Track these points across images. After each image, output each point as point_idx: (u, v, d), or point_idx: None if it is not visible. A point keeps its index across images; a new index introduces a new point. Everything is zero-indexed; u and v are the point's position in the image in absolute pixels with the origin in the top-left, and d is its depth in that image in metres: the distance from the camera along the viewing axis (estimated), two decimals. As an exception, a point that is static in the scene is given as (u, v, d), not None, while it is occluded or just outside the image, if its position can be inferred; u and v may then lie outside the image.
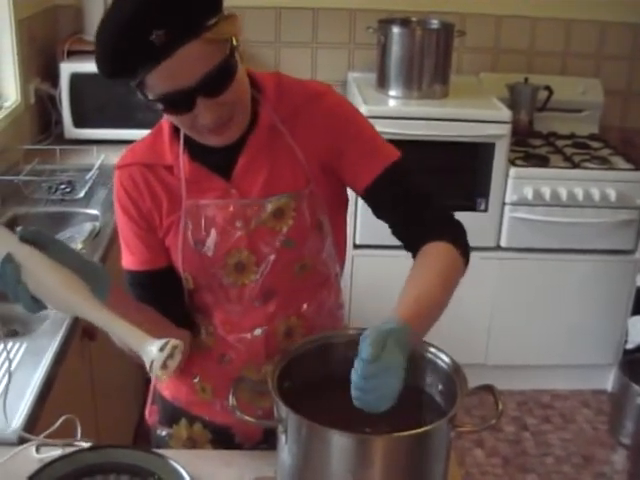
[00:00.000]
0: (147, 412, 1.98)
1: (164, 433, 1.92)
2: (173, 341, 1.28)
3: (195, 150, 1.61)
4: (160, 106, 1.45)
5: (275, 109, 1.61)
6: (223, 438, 1.85)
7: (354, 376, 1.29)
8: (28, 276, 1.32)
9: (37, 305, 1.35)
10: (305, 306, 1.74)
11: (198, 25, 1.36)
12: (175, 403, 1.88)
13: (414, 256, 1.61)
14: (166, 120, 1.64)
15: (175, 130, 1.63)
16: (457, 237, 1.63)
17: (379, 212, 1.69)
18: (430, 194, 1.68)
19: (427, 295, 1.48)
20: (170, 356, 1.28)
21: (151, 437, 1.96)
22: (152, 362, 1.26)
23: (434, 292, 1.50)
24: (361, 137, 1.66)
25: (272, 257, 1.64)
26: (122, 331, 1.31)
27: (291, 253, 1.65)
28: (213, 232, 1.63)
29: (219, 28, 1.39)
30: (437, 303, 1.50)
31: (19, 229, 1.36)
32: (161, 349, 1.26)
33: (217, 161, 1.61)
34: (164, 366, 1.28)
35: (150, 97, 1.43)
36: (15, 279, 1.32)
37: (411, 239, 1.64)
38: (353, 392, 1.29)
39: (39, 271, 1.32)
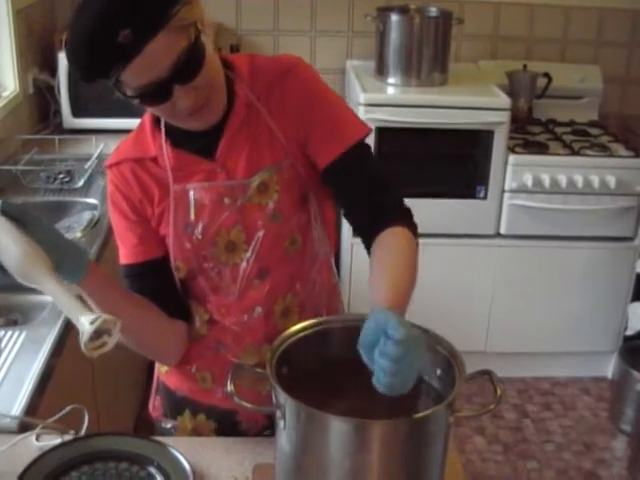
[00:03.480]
0: (151, 405, 1.99)
1: (169, 426, 1.92)
2: (106, 316, 1.30)
3: (177, 138, 1.64)
4: (138, 100, 1.47)
5: (250, 87, 1.63)
6: (228, 426, 1.85)
7: (384, 361, 1.23)
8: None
9: (4, 275, 1.40)
10: (298, 285, 1.75)
11: (162, 18, 1.37)
12: (178, 393, 1.88)
13: (368, 238, 1.61)
14: (147, 115, 1.67)
15: (156, 122, 1.65)
16: (411, 222, 1.64)
17: (335, 194, 1.71)
18: (386, 179, 1.68)
19: (404, 281, 1.48)
20: (107, 333, 1.30)
21: (155, 430, 1.96)
22: (82, 334, 1.28)
23: (408, 277, 1.50)
24: (325, 116, 1.66)
25: (261, 233, 1.66)
26: (65, 302, 1.34)
27: (279, 228, 1.66)
28: (201, 214, 1.65)
29: (181, 15, 1.40)
30: (411, 287, 1.49)
31: (1, 203, 1.41)
32: (92, 322, 1.28)
33: (200, 145, 1.63)
34: (100, 342, 1.30)
35: (128, 93, 1.45)
36: None
37: (366, 223, 1.64)
38: (385, 379, 1.24)
39: (7, 240, 1.37)
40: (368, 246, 1.62)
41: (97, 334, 1.29)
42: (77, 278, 1.45)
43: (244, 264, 1.69)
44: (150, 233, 1.70)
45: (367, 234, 1.62)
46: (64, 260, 1.42)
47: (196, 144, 1.63)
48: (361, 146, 1.67)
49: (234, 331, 1.75)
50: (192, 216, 1.65)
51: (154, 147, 1.65)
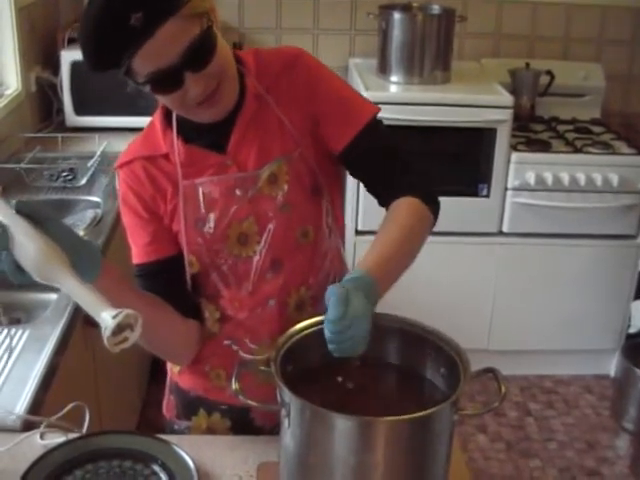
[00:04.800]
0: (164, 406, 1.98)
1: (183, 426, 1.92)
2: (128, 311, 1.30)
3: (189, 134, 1.65)
4: (149, 88, 1.47)
5: (258, 79, 1.64)
6: (242, 423, 1.85)
7: (326, 333, 1.35)
8: (15, 244, 1.36)
9: (21, 275, 1.38)
10: (311, 278, 1.76)
11: (173, 3, 1.40)
12: (192, 393, 1.88)
13: (387, 207, 1.67)
14: (157, 114, 1.69)
15: (166, 119, 1.66)
16: (426, 191, 1.67)
17: (355, 172, 1.75)
18: (401, 151, 1.72)
19: (391, 248, 1.53)
20: (129, 328, 1.30)
21: (167, 431, 1.95)
22: (105, 329, 1.28)
23: (398, 245, 1.55)
24: (335, 101, 1.68)
25: (272, 224, 1.67)
26: (86, 298, 1.33)
27: (290, 218, 1.68)
28: (212, 208, 1.66)
29: (193, 4, 1.42)
30: (401, 255, 1.55)
31: (16, 201, 1.40)
32: (114, 317, 1.28)
33: (211, 140, 1.65)
34: (122, 337, 1.30)
35: (139, 81, 1.46)
36: (2, 245, 1.35)
37: (385, 195, 1.68)
38: (329, 345, 1.36)
39: (23, 239, 1.35)
40: None
41: (119, 329, 1.29)
42: (92, 276, 1.43)
43: (257, 257, 1.69)
44: (162, 231, 1.70)
45: (386, 204, 1.67)
46: (79, 258, 1.40)
47: (207, 139, 1.64)
48: (374, 124, 1.70)
49: (248, 325, 1.75)
50: (202, 210, 1.66)
51: (165, 144, 1.65)
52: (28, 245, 1.35)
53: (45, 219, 1.40)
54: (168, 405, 1.97)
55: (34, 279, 1.38)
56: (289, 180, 1.66)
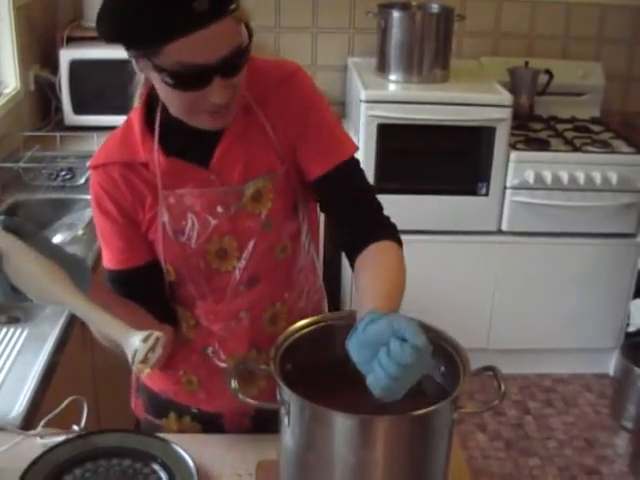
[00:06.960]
0: (133, 405, 1.98)
1: (156, 423, 1.91)
2: (156, 333, 1.28)
3: (170, 146, 1.60)
4: (170, 80, 1.40)
5: (249, 90, 1.59)
6: (213, 428, 1.84)
7: (391, 364, 1.24)
8: (9, 264, 1.31)
9: (16, 295, 1.34)
10: (287, 293, 1.74)
11: (235, 2, 1.38)
12: (162, 395, 1.87)
13: (354, 252, 1.62)
14: (135, 115, 1.63)
15: (147, 124, 1.61)
16: (397, 237, 1.65)
17: (324, 205, 1.71)
18: (372, 196, 1.70)
19: (397, 291, 1.50)
20: (151, 349, 1.28)
21: (141, 426, 1.95)
22: (135, 353, 1.26)
23: (399, 286, 1.52)
24: (321, 128, 1.65)
25: (253, 241, 1.64)
26: (104, 322, 1.31)
27: (270, 235, 1.65)
28: (192, 221, 1.62)
29: (243, 9, 1.41)
30: (401, 295, 1.51)
31: (2, 218, 1.36)
32: (144, 340, 1.26)
33: (194, 154, 1.60)
34: (145, 358, 1.28)
35: (164, 66, 1.39)
36: None
37: (352, 237, 1.64)
38: (386, 381, 1.25)
39: (21, 259, 1.31)
40: (352, 259, 1.63)
41: None
42: (86, 290, 1.38)
43: (236, 272, 1.67)
44: (138, 238, 1.66)
45: (353, 247, 1.63)
46: (73, 273, 1.36)
47: (191, 153, 1.60)
48: (352, 162, 1.67)
49: (221, 336, 1.74)
50: (182, 222, 1.62)
51: (144, 152, 1.60)
52: (29, 266, 1.31)
53: (32, 234, 1.37)
54: (136, 404, 1.96)
55: (29, 298, 1.34)
56: (273, 198, 1.63)
